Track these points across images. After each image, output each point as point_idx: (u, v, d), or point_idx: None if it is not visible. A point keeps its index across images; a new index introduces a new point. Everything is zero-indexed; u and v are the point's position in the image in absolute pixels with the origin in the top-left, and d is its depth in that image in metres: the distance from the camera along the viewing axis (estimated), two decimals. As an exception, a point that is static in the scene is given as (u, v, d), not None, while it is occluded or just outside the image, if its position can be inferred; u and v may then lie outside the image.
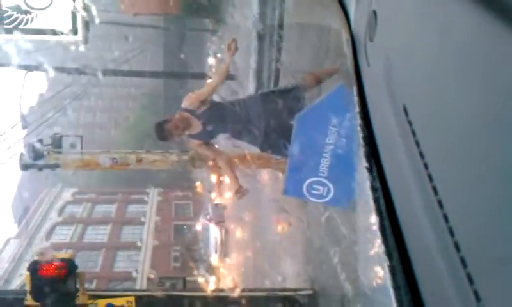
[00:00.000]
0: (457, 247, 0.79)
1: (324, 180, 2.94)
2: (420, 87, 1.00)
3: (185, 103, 4.22)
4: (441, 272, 0.87)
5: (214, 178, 16.78)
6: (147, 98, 29.63)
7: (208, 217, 18.37)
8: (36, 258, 6.67)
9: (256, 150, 6.19)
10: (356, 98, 1.27)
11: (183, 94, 4.45)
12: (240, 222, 15.64)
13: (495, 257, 0.73)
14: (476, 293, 0.75)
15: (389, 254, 1.10)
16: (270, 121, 4.09)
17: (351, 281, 4.71)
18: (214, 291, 9.87)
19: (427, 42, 0.98)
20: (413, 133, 0.96)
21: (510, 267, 0.69)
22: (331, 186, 2.89)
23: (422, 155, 0.92)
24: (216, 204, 18.48)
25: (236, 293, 7.13)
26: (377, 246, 1.16)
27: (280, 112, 4.04)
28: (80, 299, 6.41)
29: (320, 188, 2.97)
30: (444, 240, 0.83)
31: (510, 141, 0.71)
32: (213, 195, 19.94)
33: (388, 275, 1.08)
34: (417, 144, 0.95)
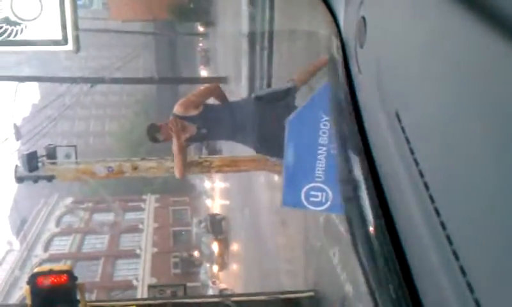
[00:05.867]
0: (455, 255, 0.79)
1: (321, 185, 2.91)
2: (412, 94, 0.99)
3: (177, 110, 4.21)
4: (438, 274, 0.87)
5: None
6: (140, 105, 29.60)
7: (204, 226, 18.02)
8: (35, 270, 6.63)
9: (250, 152, 6.19)
10: (349, 106, 1.26)
11: (176, 99, 4.46)
12: (239, 226, 15.64)
13: (494, 263, 0.72)
14: (477, 302, 0.75)
15: (386, 256, 1.09)
16: (264, 124, 4.09)
17: (351, 281, 4.71)
18: (215, 296, 9.85)
19: (418, 47, 0.97)
20: (407, 140, 0.96)
21: (506, 270, 0.69)
22: (329, 191, 2.87)
23: (416, 162, 0.92)
24: (214, 215, 18.31)
25: (237, 298, 7.12)
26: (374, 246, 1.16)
27: (273, 115, 4.04)
28: (82, 311, 6.38)
29: (319, 194, 2.94)
30: (442, 248, 0.82)
31: (503, 145, 0.70)
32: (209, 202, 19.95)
33: (386, 274, 1.07)
34: (411, 151, 0.94)
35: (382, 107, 1.08)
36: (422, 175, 0.89)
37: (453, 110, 0.80)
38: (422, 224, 0.91)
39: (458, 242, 0.79)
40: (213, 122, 4.26)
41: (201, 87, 5.29)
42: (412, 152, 0.93)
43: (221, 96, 4.41)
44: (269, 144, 4.07)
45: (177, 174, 4.47)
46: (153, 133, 4.30)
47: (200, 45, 22.85)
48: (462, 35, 0.78)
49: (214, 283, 16.85)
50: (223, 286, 15.42)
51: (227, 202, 18.57)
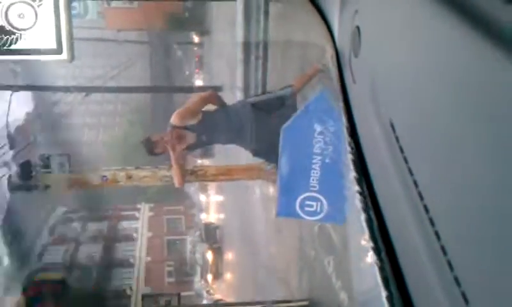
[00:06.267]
0: (450, 266, 0.79)
1: (316, 195, 2.91)
2: (406, 103, 1.00)
3: (175, 120, 4.23)
4: (433, 285, 0.87)
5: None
6: (135, 114, 29.51)
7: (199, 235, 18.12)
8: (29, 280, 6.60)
9: (244, 162, 6.18)
10: (343, 114, 1.27)
11: (171, 109, 4.48)
12: (232, 235, 15.60)
13: (486, 270, 0.73)
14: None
15: (381, 266, 1.09)
16: (261, 129, 4.12)
17: (346, 289, 4.71)
18: (209, 305, 9.80)
19: (412, 57, 0.98)
20: (401, 149, 0.96)
21: (498, 278, 0.69)
22: (323, 200, 2.87)
23: (411, 172, 0.92)
24: (208, 224, 18.36)
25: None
26: (369, 255, 1.16)
27: (271, 120, 4.06)
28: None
29: (313, 204, 2.95)
30: (437, 259, 0.83)
31: (496, 154, 0.71)
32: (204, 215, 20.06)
33: (381, 285, 1.07)
34: (405, 160, 0.94)
35: (376, 117, 1.08)
36: (416, 185, 0.90)
37: (447, 120, 0.81)
38: (417, 235, 0.91)
39: (453, 253, 0.79)
40: (213, 128, 4.29)
41: (197, 95, 5.31)
42: (406, 161, 0.94)
43: (219, 102, 4.44)
44: (267, 150, 4.10)
45: (177, 183, 4.51)
46: (150, 147, 4.34)
47: (197, 56, 22.96)
48: (456, 46, 0.78)
49: (208, 292, 16.77)
50: (217, 296, 15.36)
51: (222, 211, 18.55)
